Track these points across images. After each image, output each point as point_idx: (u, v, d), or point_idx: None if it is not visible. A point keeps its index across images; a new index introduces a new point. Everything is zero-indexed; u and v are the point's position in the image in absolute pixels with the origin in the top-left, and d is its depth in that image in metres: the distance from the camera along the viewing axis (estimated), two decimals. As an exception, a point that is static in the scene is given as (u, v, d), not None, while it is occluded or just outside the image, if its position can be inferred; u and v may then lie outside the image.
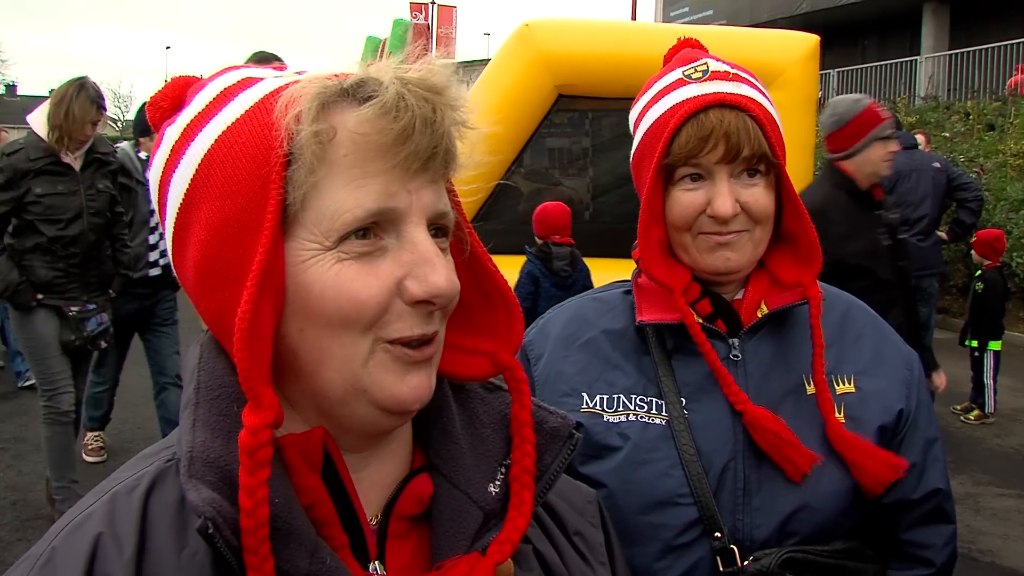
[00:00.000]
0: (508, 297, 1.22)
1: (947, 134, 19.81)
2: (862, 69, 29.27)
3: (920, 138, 11.76)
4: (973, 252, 10.84)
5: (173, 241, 1.11)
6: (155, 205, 1.15)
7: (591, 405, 1.95)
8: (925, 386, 2.04)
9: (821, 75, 13.79)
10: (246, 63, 1.20)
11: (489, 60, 14.48)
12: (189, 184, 1.07)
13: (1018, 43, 23.82)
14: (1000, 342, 10.11)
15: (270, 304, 1.02)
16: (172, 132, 1.11)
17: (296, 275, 1.03)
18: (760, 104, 1.89)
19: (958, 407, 10.38)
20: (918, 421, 1.98)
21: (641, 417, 1.91)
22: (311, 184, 1.02)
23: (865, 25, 31.92)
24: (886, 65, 28.33)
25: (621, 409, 1.93)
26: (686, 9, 38.52)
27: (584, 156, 14.41)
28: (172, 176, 1.09)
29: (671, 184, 1.91)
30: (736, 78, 1.91)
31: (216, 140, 1.06)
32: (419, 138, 1.02)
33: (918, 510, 1.97)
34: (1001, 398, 10.35)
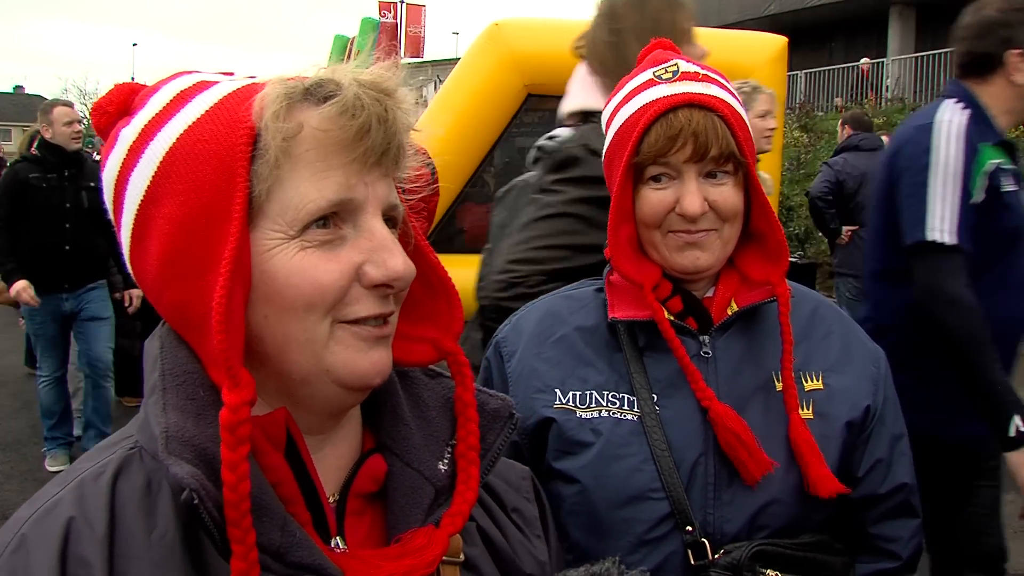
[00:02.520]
0: (449, 287, 1.31)
1: (913, 135, 19.98)
2: (829, 71, 29.46)
3: (886, 139, 11.85)
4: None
5: (132, 237, 1.15)
6: (108, 204, 1.19)
7: (564, 401, 1.96)
8: (892, 383, 2.07)
9: (789, 76, 13.88)
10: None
11: (458, 59, 14.48)
12: (151, 181, 1.12)
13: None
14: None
15: (239, 292, 1.08)
16: (128, 133, 1.15)
17: (262, 263, 1.10)
18: (729, 104, 1.91)
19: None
20: (885, 417, 2.01)
21: (613, 413, 1.93)
22: (275, 177, 1.09)
23: (832, 27, 32.13)
24: (853, 67, 28.51)
25: (594, 405, 1.95)
26: (655, 10, 38.61)
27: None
28: (130, 175, 1.14)
29: (641, 183, 1.94)
30: (706, 79, 1.93)
31: (178, 138, 1.11)
32: (375, 135, 1.10)
33: (885, 504, 2.00)
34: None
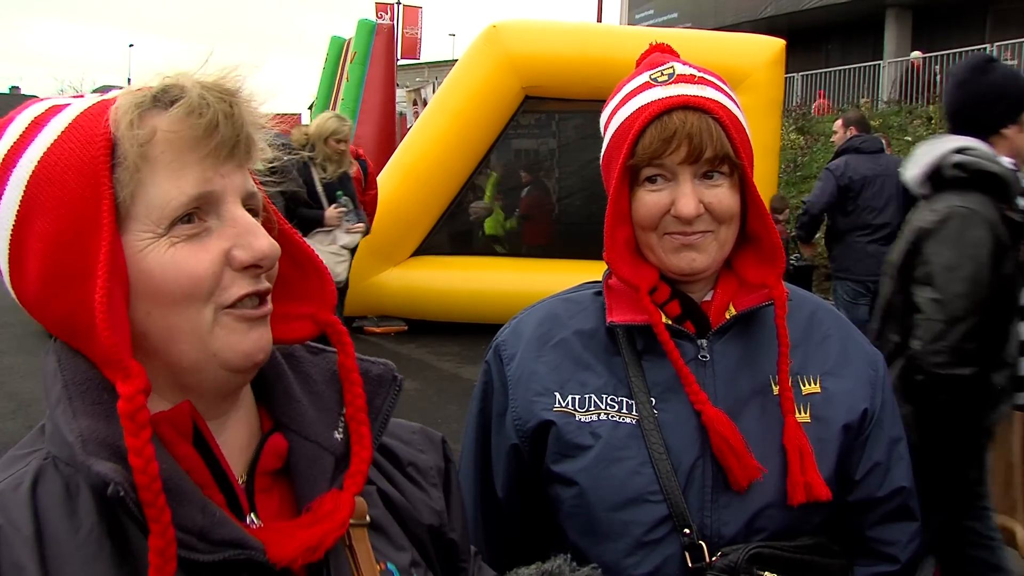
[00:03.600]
0: (317, 263, 1.40)
1: (909, 138, 20.00)
2: (826, 73, 29.53)
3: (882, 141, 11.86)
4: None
5: (9, 262, 1.22)
6: None
7: (563, 404, 1.97)
8: (890, 386, 2.07)
9: (785, 79, 13.89)
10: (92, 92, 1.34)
11: (455, 61, 14.47)
12: (19, 205, 1.18)
13: (979, 48, 24.09)
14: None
15: (119, 293, 1.15)
16: None
17: (137, 264, 1.17)
18: (724, 106, 1.91)
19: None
20: (883, 420, 2.00)
21: (612, 416, 1.94)
22: (137, 181, 1.16)
23: (829, 29, 32.22)
24: (849, 69, 28.59)
25: (592, 409, 1.96)
26: (651, 12, 38.74)
27: (551, 157, 14.46)
28: None
29: (636, 185, 1.94)
30: (702, 81, 1.93)
31: (40, 161, 1.18)
32: (223, 130, 1.19)
33: (883, 507, 1.99)
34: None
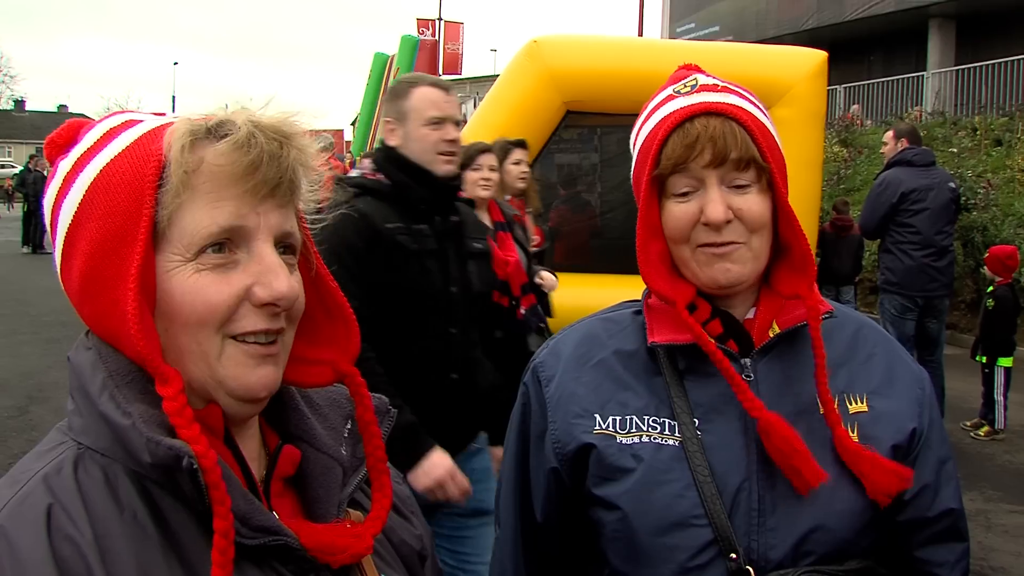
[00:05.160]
0: (347, 312, 1.46)
1: (954, 149, 19.81)
2: (869, 85, 29.33)
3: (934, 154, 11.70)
4: (985, 268, 10.80)
5: (62, 257, 1.31)
6: (48, 227, 1.34)
7: (604, 426, 1.93)
8: (936, 405, 2.03)
9: (828, 91, 13.81)
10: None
11: (496, 76, 14.51)
12: (77, 207, 1.27)
13: (1024, 58, 23.86)
14: (1011, 359, 10.07)
15: (146, 306, 1.22)
16: (65, 164, 1.31)
17: (163, 282, 1.24)
18: (747, 111, 1.90)
19: (968, 423, 10.31)
20: (931, 440, 1.97)
21: (654, 438, 1.90)
22: (176, 205, 1.23)
23: (871, 40, 31.99)
24: (893, 81, 28.38)
25: (634, 430, 1.92)
26: (692, 25, 38.67)
27: (592, 172, 14.44)
28: (63, 201, 1.29)
29: (664, 197, 1.92)
30: (724, 89, 1.93)
31: (101, 170, 1.27)
32: (266, 169, 1.25)
33: (932, 528, 1.96)
34: (1012, 414, 10.31)
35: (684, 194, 1.89)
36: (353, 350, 1.44)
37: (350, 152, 38.32)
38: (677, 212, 1.89)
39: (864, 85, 29.41)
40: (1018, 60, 23.94)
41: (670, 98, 1.94)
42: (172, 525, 1.20)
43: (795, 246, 1.92)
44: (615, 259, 13.26)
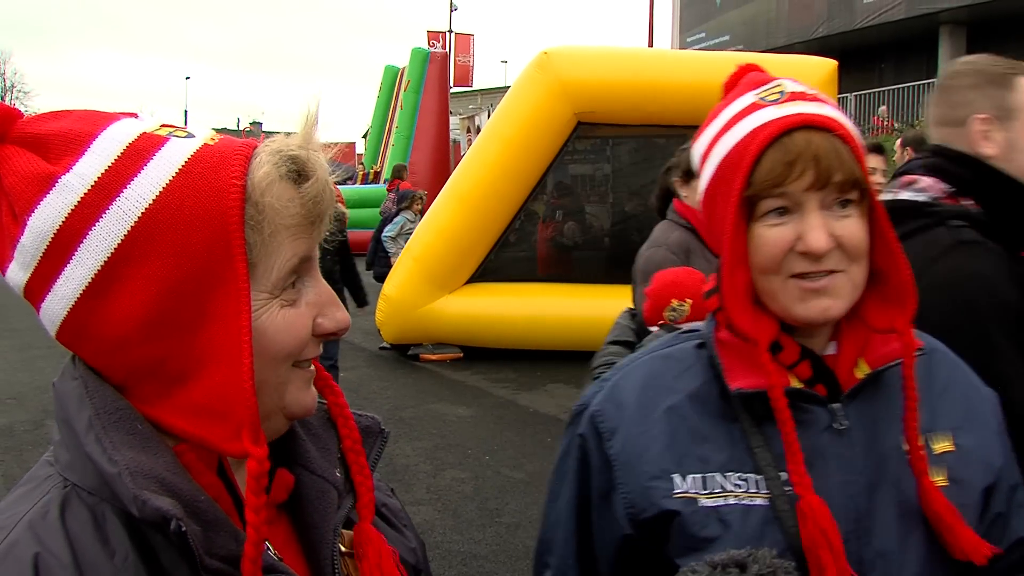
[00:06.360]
0: None
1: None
2: (879, 92, 29.28)
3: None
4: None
5: (86, 290, 1.17)
6: (38, 244, 1.17)
7: (684, 488, 1.71)
8: (1006, 429, 1.87)
9: (839, 99, 13.81)
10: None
11: (507, 88, 14.53)
12: (123, 239, 1.16)
13: (1036, 64, 23.80)
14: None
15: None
16: (74, 182, 1.17)
17: (253, 321, 1.21)
18: (846, 126, 1.69)
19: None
20: (1005, 468, 1.81)
21: (742, 500, 1.69)
22: (262, 244, 1.22)
23: (882, 48, 31.97)
24: (903, 88, 28.32)
25: (718, 491, 1.70)
26: (703, 35, 38.69)
27: (605, 183, 14.45)
28: (88, 229, 1.16)
29: (753, 220, 1.70)
30: (815, 99, 1.71)
31: (155, 201, 1.17)
32: (329, 210, 1.29)
33: (1005, 560, 1.77)
34: None
35: (777, 216, 1.68)
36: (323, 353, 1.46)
37: (362, 164, 38.42)
38: (771, 238, 1.67)
39: (875, 92, 29.36)
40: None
41: (756, 107, 1.72)
42: (165, 565, 1.17)
43: (893, 275, 1.72)
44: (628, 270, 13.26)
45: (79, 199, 1.16)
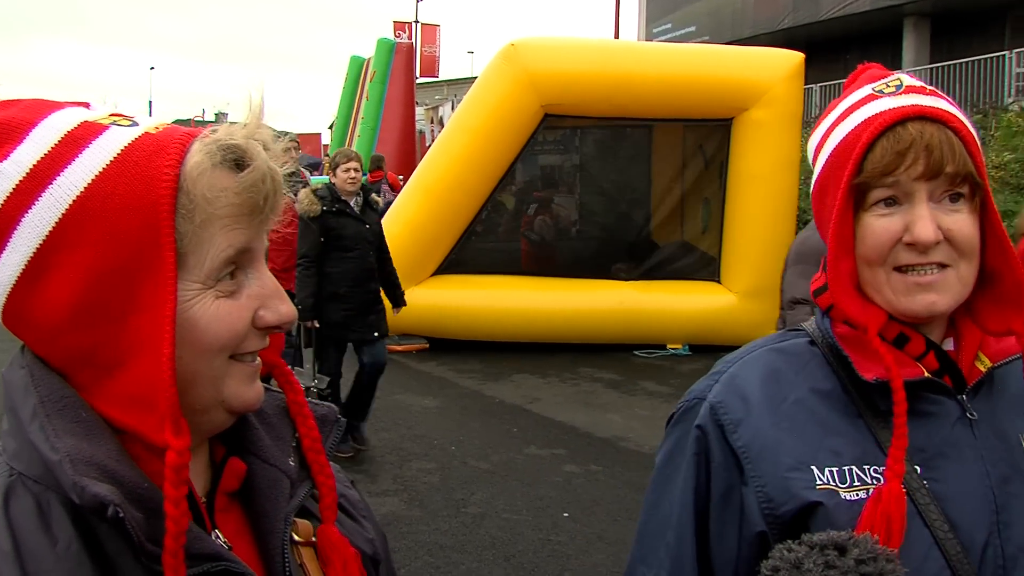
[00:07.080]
0: None
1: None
2: (844, 84, 29.41)
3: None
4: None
5: (20, 276, 1.19)
6: None
7: (824, 480, 1.65)
8: None
9: (804, 90, 13.87)
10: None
11: (474, 79, 14.51)
12: (54, 226, 1.17)
13: (998, 56, 24.04)
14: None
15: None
16: (9, 168, 1.18)
17: (183, 312, 1.20)
18: (961, 120, 1.67)
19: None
20: None
21: None
22: (194, 233, 1.20)
23: (847, 40, 32.14)
24: (869, 79, 28.48)
25: (856, 484, 1.64)
26: (668, 26, 38.78)
27: (573, 174, 14.47)
28: (21, 215, 1.17)
29: (862, 210, 1.69)
30: (933, 93, 1.71)
31: (87, 188, 1.17)
32: (272, 200, 1.26)
33: None
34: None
35: (885, 207, 1.67)
36: (279, 343, 1.42)
37: (328, 155, 38.17)
38: (878, 228, 1.66)
39: (840, 84, 29.39)
40: (992, 58, 24.13)
41: (871, 98, 1.72)
42: (109, 553, 1.16)
43: (1007, 275, 1.70)
44: (596, 263, 13.26)
45: (14, 186, 1.17)
